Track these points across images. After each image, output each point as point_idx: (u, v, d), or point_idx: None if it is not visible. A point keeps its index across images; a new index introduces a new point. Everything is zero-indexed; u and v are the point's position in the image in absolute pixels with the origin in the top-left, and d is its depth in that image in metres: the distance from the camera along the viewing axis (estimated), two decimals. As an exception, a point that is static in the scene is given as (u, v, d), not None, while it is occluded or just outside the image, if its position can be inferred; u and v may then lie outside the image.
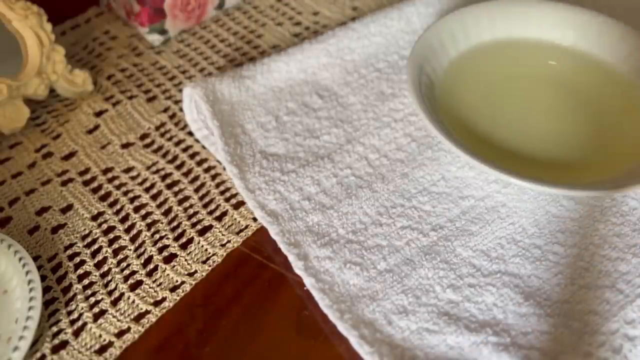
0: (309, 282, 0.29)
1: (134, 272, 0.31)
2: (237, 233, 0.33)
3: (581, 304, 0.28)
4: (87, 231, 0.33)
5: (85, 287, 0.31)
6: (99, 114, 0.40)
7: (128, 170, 0.36)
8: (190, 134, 0.38)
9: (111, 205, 0.34)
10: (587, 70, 0.37)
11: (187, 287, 0.31)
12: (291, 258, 0.30)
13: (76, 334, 0.29)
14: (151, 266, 0.31)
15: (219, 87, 0.37)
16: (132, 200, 0.35)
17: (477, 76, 0.36)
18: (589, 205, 0.32)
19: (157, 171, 0.36)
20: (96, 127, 0.39)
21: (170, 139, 0.38)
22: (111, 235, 0.33)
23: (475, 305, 0.28)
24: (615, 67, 0.36)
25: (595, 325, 0.27)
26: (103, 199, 0.35)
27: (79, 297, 0.30)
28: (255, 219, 0.33)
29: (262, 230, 0.32)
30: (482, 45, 0.38)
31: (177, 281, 0.31)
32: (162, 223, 0.33)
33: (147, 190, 0.35)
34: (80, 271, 0.31)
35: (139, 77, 0.42)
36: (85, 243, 0.33)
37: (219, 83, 0.37)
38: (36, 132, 0.39)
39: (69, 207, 0.35)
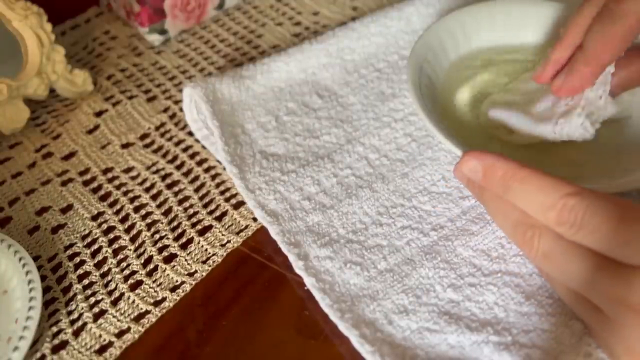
0: (309, 282, 0.29)
1: (134, 272, 0.31)
2: (237, 233, 0.33)
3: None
4: (87, 231, 0.33)
5: (85, 287, 0.31)
6: (99, 114, 0.40)
7: (128, 170, 0.36)
8: (190, 134, 0.38)
9: (111, 205, 0.34)
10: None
11: (187, 287, 0.31)
12: (291, 258, 0.30)
13: (76, 334, 0.29)
14: (151, 266, 0.31)
15: (219, 87, 0.37)
16: (132, 200, 0.35)
17: (477, 76, 0.36)
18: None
19: (157, 171, 0.36)
20: (96, 127, 0.39)
21: (170, 139, 0.38)
22: (111, 235, 0.33)
23: (476, 304, 0.28)
24: None
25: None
26: (103, 199, 0.35)
27: (79, 297, 0.30)
28: (255, 219, 0.33)
29: (262, 230, 0.32)
30: (482, 45, 0.37)
31: (177, 281, 0.31)
32: (162, 223, 0.33)
33: (147, 190, 0.35)
34: (80, 271, 0.31)
35: (139, 77, 0.42)
36: (85, 243, 0.33)
37: (219, 83, 0.37)
38: (36, 132, 0.39)
39: (69, 207, 0.35)
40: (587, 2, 0.30)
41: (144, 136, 0.38)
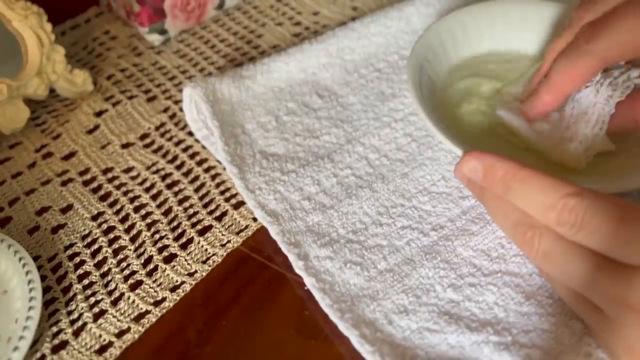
0: (309, 282, 0.29)
1: (134, 272, 0.31)
2: (237, 233, 0.33)
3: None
4: (87, 231, 0.33)
5: (85, 287, 0.31)
6: (99, 114, 0.40)
7: (128, 170, 0.36)
8: (190, 134, 0.38)
9: (111, 205, 0.34)
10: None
11: (187, 287, 0.31)
12: (291, 258, 0.30)
13: (76, 334, 0.29)
14: (151, 266, 0.31)
15: (219, 87, 0.37)
16: (132, 200, 0.35)
17: (477, 76, 0.36)
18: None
19: (157, 171, 0.36)
20: (96, 127, 0.39)
21: (170, 139, 0.38)
22: (111, 235, 0.33)
23: (476, 304, 0.28)
24: None
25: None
26: (103, 199, 0.35)
27: (79, 297, 0.30)
28: (255, 219, 0.33)
29: (262, 230, 0.32)
30: (482, 44, 0.37)
31: (177, 281, 0.31)
32: (162, 223, 0.33)
33: (147, 190, 0.35)
34: (80, 271, 0.31)
35: (139, 77, 0.42)
36: (85, 243, 0.33)
37: (219, 83, 0.37)
38: (36, 132, 0.39)
39: (69, 207, 0.35)
40: (564, 33, 0.32)
41: (144, 136, 0.38)
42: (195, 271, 0.31)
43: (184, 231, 0.33)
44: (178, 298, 0.30)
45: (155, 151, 0.37)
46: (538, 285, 0.28)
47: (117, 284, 0.31)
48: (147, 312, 0.30)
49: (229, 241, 0.32)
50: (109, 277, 0.31)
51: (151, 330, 0.29)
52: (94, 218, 0.34)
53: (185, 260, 0.32)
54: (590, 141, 0.31)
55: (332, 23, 0.45)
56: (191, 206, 0.34)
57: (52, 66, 0.38)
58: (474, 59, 0.37)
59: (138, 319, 0.29)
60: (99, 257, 0.32)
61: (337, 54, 0.40)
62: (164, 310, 0.30)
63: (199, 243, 0.32)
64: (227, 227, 0.33)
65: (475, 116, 0.34)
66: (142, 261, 0.32)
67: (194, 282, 0.31)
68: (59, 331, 0.29)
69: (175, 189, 0.35)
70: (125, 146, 0.38)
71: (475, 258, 0.30)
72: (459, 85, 0.36)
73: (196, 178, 0.36)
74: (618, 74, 0.31)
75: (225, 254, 0.32)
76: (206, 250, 0.32)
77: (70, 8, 0.47)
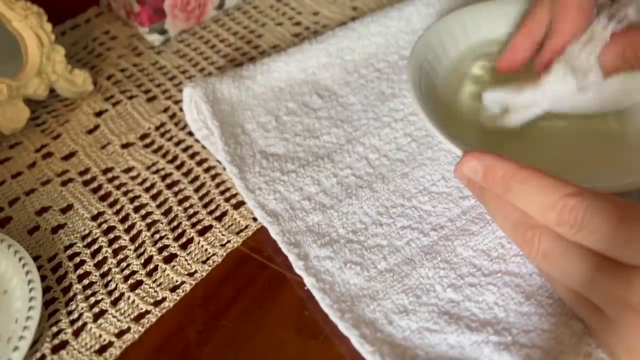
0: (309, 282, 0.29)
1: (134, 272, 0.31)
2: (237, 233, 0.33)
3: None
4: (87, 231, 0.33)
5: (85, 287, 0.31)
6: (99, 114, 0.40)
7: (128, 170, 0.36)
8: (190, 134, 0.38)
9: (111, 205, 0.34)
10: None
11: (187, 287, 0.31)
12: (291, 258, 0.30)
13: (76, 334, 0.29)
14: (151, 266, 0.31)
15: (219, 87, 0.37)
16: (132, 200, 0.35)
17: (477, 75, 0.36)
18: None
19: (157, 171, 0.36)
20: (96, 127, 0.39)
21: (170, 139, 0.38)
22: (111, 235, 0.33)
23: (476, 304, 0.28)
24: None
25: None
26: (103, 199, 0.35)
27: (79, 297, 0.30)
28: (255, 219, 0.33)
29: (262, 230, 0.32)
30: (482, 45, 0.38)
31: (177, 281, 0.31)
32: (162, 223, 0.33)
33: (147, 190, 0.35)
34: (80, 271, 0.31)
35: (139, 77, 0.42)
36: (85, 243, 0.33)
37: (219, 83, 0.37)
38: (36, 132, 0.39)
39: (69, 207, 0.35)
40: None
41: (144, 136, 0.38)
42: (195, 271, 0.31)
43: (184, 231, 0.33)
44: (178, 298, 0.30)
45: (155, 151, 0.37)
46: (538, 285, 0.28)
47: (117, 284, 0.31)
48: (147, 312, 0.30)
49: (229, 241, 0.32)
50: (109, 277, 0.31)
51: (151, 330, 0.29)
52: (94, 218, 0.34)
53: (185, 260, 0.32)
54: (578, 60, 0.30)
55: (332, 23, 0.45)
56: (191, 206, 0.34)
57: (52, 66, 0.38)
58: (471, 54, 0.37)
59: (138, 319, 0.29)
60: (99, 257, 0.32)
61: (337, 54, 0.40)
62: (164, 310, 0.30)
63: (199, 243, 0.32)
64: (227, 227, 0.33)
65: (476, 115, 0.34)
66: (142, 261, 0.32)
67: (194, 282, 0.31)
68: (59, 331, 0.29)
69: (175, 189, 0.35)
70: (125, 146, 0.38)
71: (475, 258, 0.30)
72: (458, 83, 0.36)
73: (196, 178, 0.36)
74: (614, 9, 0.31)
75: (225, 254, 0.32)
76: (206, 250, 0.32)
77: (70, 8, 0.47)
